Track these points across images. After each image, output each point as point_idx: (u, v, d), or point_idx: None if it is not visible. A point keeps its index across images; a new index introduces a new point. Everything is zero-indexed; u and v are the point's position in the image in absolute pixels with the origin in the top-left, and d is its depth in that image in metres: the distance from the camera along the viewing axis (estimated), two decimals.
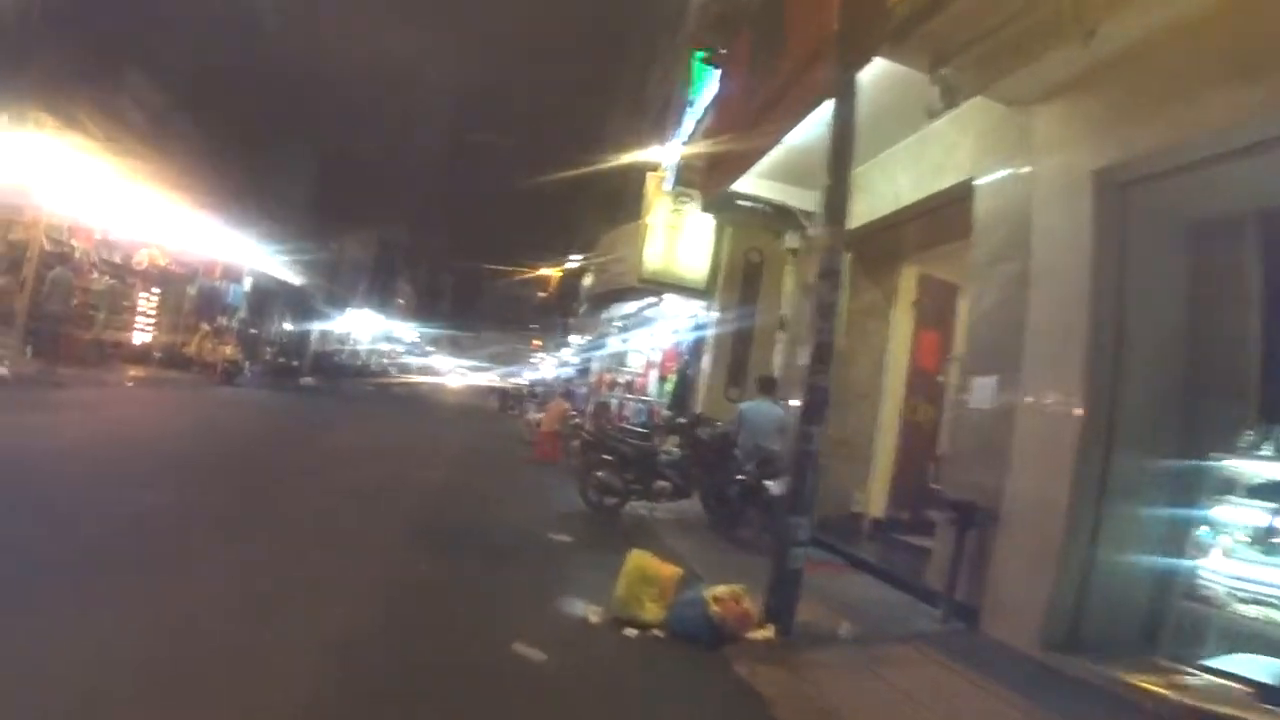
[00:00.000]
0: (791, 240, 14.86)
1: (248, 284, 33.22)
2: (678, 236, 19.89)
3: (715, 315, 19.54)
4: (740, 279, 19.35)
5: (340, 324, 49.27)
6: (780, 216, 14.52)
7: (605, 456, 13.28)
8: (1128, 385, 7.38)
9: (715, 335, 19.30)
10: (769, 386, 13.51)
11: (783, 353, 15.04)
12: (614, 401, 25.13)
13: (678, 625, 6.79)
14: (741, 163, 12.58)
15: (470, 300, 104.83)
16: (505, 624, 6.50)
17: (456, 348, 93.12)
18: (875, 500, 13.43)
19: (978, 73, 7.87)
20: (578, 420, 21.29)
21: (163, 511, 8.24)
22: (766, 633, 6.79)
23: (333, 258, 43.72)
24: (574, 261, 40.91)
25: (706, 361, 19.52)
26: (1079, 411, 7.39)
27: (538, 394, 36.93)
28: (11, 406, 14.24)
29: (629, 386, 26.90)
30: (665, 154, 20.90)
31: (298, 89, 33.68)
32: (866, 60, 7.85)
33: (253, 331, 34.10)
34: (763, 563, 7.49)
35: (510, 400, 48.41)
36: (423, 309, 79.22)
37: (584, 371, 38.79)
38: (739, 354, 19.16)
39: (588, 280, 34.20)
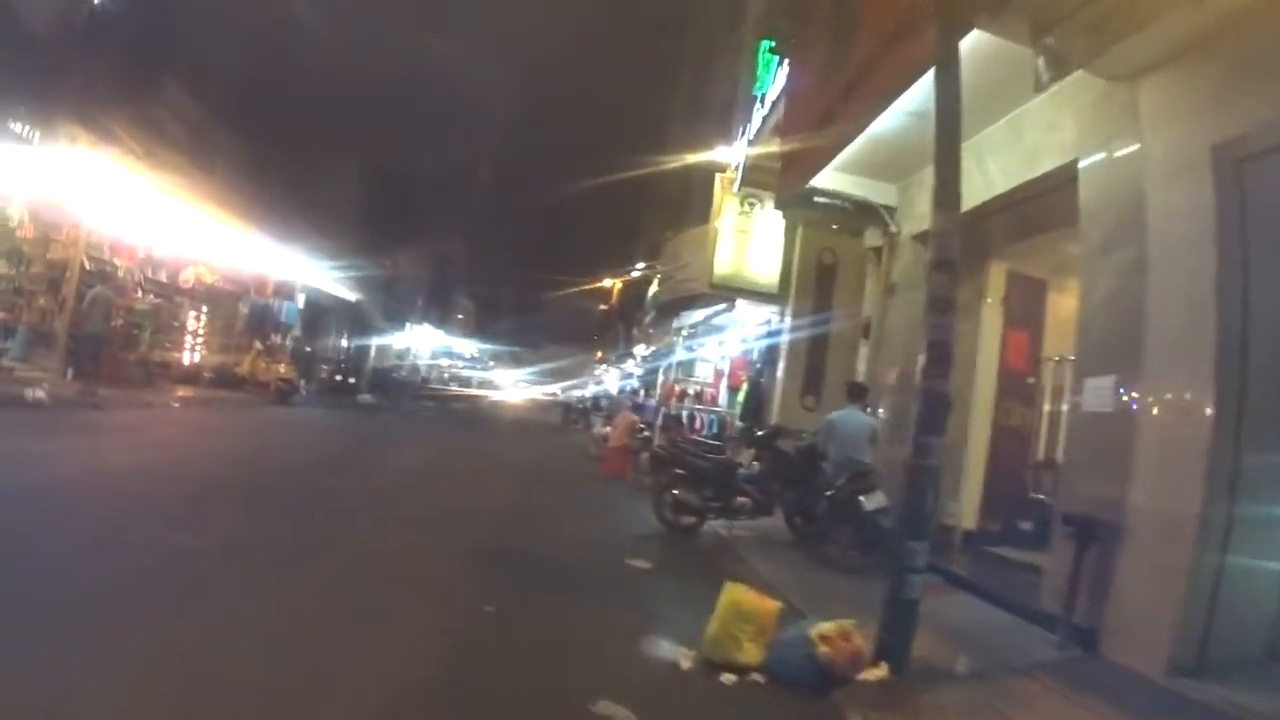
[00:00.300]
0: (873, 237, 14.11)
1: (301, 301, 32.78)
2: (747, 240, 19.26)
3: (788, 320, 18.68)
4: (813, 282, 18.46)
5: (398, 340, 48.98)
6: (860, 213, 13.88)
7: (681, 472, 12.58)
8: (1256, 378, 6.59)
9: (789, 341, 18.45)
10: (859, 394, 12.62)
11: (867, 358, 14.20)
12: (684, 413, 24.37)
13: (779, 668, 6.07)
14: (820, 156, 11.77)
15: (531, 313, 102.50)
16: (585, 674, 5.74)
17: (517, 362, 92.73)
18: (967, 512, 12.50)
19: (1086, 39, 7.13)
20: (646, 434, 20.66)
21: (200, 547, 7.38)
22: (879, 672, 6.04)
23: (388, 273, 43.26)
24: (638, 270, 40.30)
25: (780, 369, 18.67)
26: (1209, 410, 6.60)
27: (603, 407, 36.17)
28: (46, 430, 13.28)
29: (698, 397, 26.17)
30: (732, 154, 20.13)
31: (350, 99, 33.42)
32: (970, 25, 7.26)
33: (307, 350, 33.60)
34: (857, 584, 6.82)
35: (573, 414, 48.03)
36: (482, 323, 78.96)
37: (650, 383, 37.94)
38: (814, 360, 18.34)
39: (653, 289, 33.81)
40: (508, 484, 15.93)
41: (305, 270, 32.04)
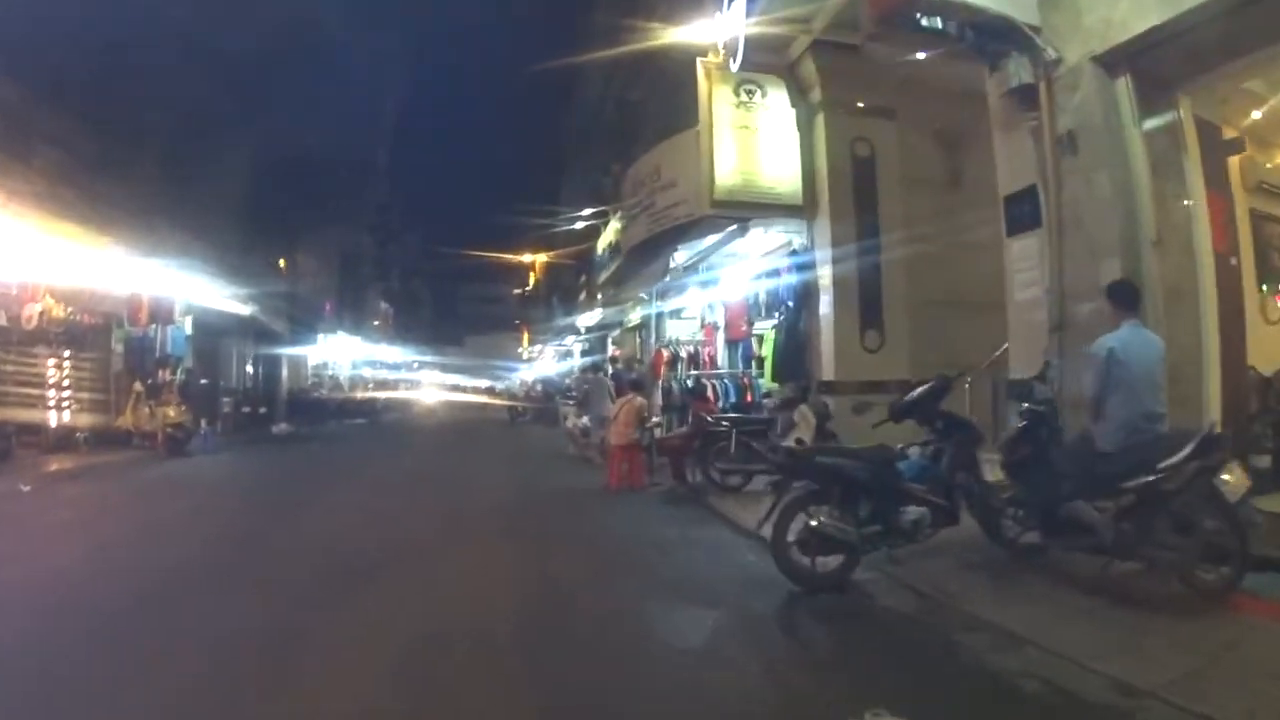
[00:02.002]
0: (1020, 71, 9.12)
1: (189, 326, 26.34)
2: (753, 138, 14.34)
3: (824, 238, 14.24)
4: (849, 182, 14.19)
5: (312, 354, 43.10)
6: (983, 41, 9.36)
7: (814, 487, 7.46)
8: None
9: (831, 266, 13.97)
10: (1132, 298, 7.36)
11: (1049, 258, 9.15)
12: (689, 384, 18.93)
13: None
14: None
15: (450, 307, 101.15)
16: None
17: (443, 360, 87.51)
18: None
19: None
20: (656, 422, 15.71)
21: None
22: None
23: (289, 280, 36.98)
24: (581, 220, 34.73)
25: (825, 304, 14.17)
26: None
27: (573, 392, 31.05)
28: None
29: (693, 360, 20.82)
30: (718, 27, 14.91)
31: (224, 76, 26.90)
32: None
33: (204, 383, 27.43)
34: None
35: (520, 409, 42.74)
36: (402, 325, 73.12)
37: (607, 359, 32.78)
38: (869, 286, 14.05)
39: (607, 238, 28.78)
40: (496, 532, 10.73)
41: (189, 287, 25.62)
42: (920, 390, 8.09)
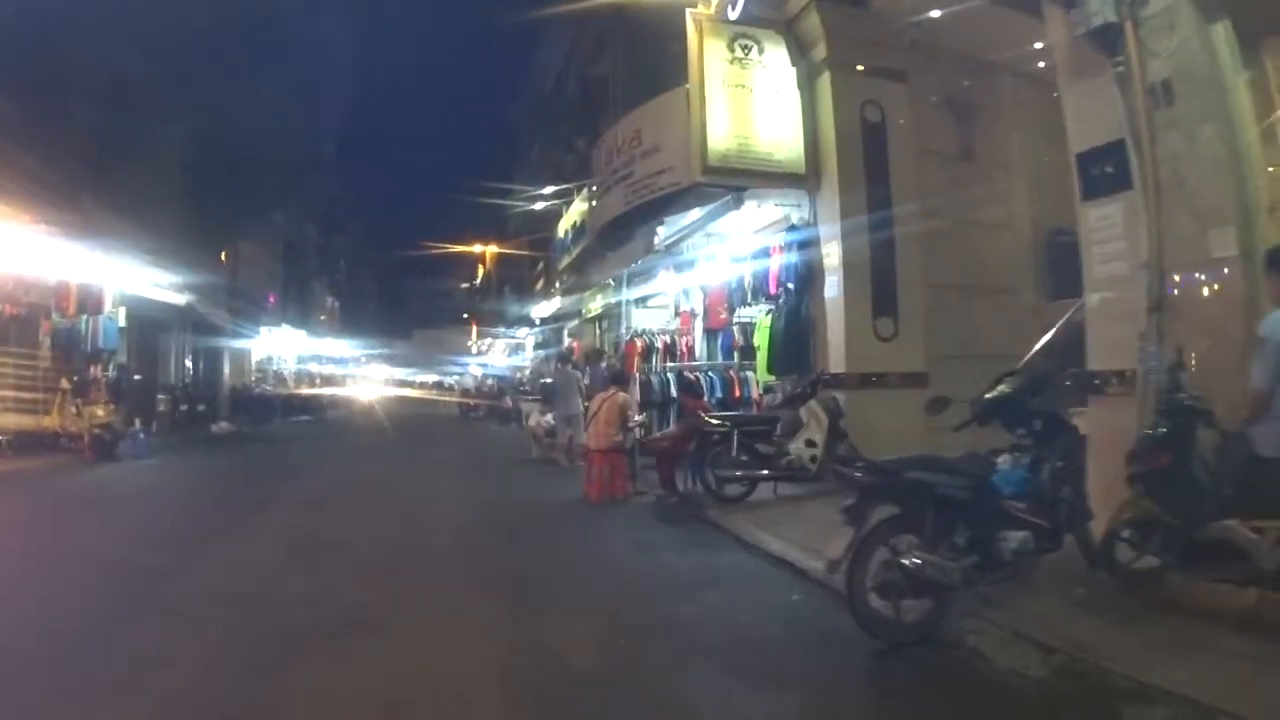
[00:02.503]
0: (1104, 8, 7.58)
1: (122, 316, 24.04)
2: (748, 99, 12.87)
3: (830, 211, 12.76)
4: (859, 149, 12.70)
5: (256, 349, 40.82)
6: None
7: (897, 514, 5.89)
8: None
9: (839, 242, 12.49)
10: None
11: (1144, 225, 7.61)
12: (695, 378, 16.79)
13: None
14: None
15: (397, 302, 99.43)
16: None
17: (390, 353, 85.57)
18: None
19: None
20: (641, 420, 13.98)
21: None
22: None
23: (230, 269, 34.62)
24: (542, 200, 32.77)
25: (833, 287, 12.68)
26: None
27: (530, 389, 29.05)
28: None
29: (669, 351, 19.09)
30: None
31: (159, 45, 24.65)
32: None
33: (138, 378, 25.18)
34: None
35: (473, 405, 40.90)
36: (349, 319, 70.92)
37: (563, 350, 31.03)
38: (882, 267, 12.57)
39: (573, 219, 26.74)
40: (469, 586, 8.04)
41: (122, 274, 23.33)
42: (1012, 383, 6.54)
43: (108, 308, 22.78)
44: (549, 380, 22.48)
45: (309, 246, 51.99)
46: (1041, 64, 11.19)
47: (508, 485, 15.64)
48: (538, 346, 43.54)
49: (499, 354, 58.68)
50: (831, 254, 12.64)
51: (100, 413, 20.13)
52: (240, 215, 33.66)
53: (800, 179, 13.03)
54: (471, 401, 42.07)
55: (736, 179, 12.94)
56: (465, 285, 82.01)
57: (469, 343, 73.64)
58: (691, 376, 16.08)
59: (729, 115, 12.64)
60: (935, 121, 13.54)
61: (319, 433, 32.02)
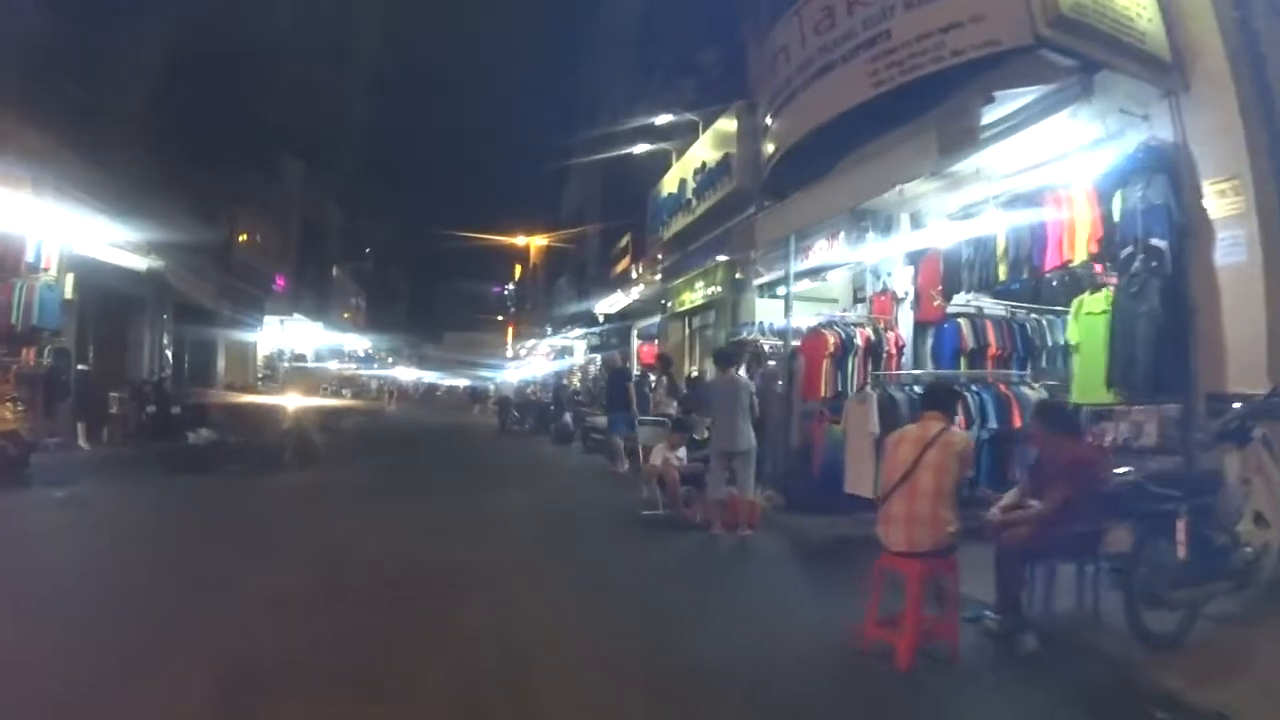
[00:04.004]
0: None
1: (69, 287, 17.47)
2: None
3: (1230, 118, 6.99)
4: None
5: (262, 340, 34.98)
6: None
7: None
8: None
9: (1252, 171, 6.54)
10: None
11: None
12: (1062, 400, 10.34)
13: None
14: None
15: (428, 301, 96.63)
16: None
17: (419, 355, 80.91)
18: None
19: None
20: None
21: None
22: None
23: (225, 234, 28.23)
24: (650, 144, 24.99)
25: (1236, 246, 7.01)
26: None
27: (582, 397, 22.90)
28: None
29: (871, 351, 11.86)
30: None
31: None
32: None
33: (82, 368, 18.92)
34: None
35: (515, 414, 34.97)
36: (375, 315, 66.13)
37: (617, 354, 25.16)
38: None
39: (689, 167, 20.10)
40: None
41: (70, 228, 16.90)
42: None
43: (50, 272, 16.80)
44: (688, 392, 16.13)
45: (331, 228, 46.05)
46: None
47: (654, 594, 8.61)
48: (593, 350, 37.84)
49: (540, 360, 53.21)
50: (1226, 194, 6.83)
51: (8, 416, 14.22)
52: (244, 174, 27.66)
53: (1161, 67, 7.36)
54: (514, 412, 36.06)
55: (1092, 46, 7.20)
56: (502, 288, 79.25)
57: (505, 346, 69.88)
58: (1054, 399, 9.40)
59: None
60: None
61: (329, 448, 24.88)
